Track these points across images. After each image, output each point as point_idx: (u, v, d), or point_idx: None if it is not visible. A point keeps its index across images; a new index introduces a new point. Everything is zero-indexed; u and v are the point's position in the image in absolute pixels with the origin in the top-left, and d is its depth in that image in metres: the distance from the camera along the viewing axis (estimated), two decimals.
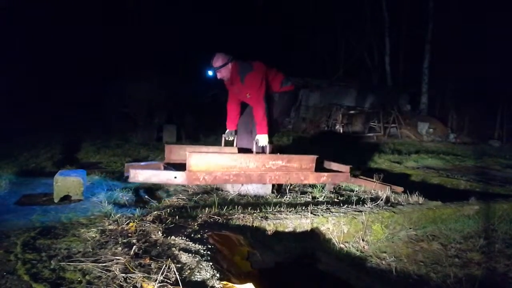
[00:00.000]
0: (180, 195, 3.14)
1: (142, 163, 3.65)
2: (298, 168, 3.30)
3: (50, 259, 1.67)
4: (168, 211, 2.34)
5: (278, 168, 3.21)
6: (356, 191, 3.78)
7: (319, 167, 3.69)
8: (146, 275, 1.50)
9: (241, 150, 3.74)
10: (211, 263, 1.62)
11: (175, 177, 2.87)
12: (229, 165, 3.05)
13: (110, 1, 13.97)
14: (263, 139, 3.38)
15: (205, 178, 2.93)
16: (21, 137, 7.04)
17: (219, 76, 3.53)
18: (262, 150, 3.45)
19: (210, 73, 3.56)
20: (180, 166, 3.12)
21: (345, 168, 3.67)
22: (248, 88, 3.42)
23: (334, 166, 3.89)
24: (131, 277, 1.49)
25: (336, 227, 2.52)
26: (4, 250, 1.76)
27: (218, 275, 1.53)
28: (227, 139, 3.89)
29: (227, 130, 3.87)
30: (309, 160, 3.34)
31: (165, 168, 3.42)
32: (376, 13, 16.58)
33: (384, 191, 3.44)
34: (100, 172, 3.93)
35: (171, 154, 3.70)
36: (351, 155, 7.17)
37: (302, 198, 3.30)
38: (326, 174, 3.49)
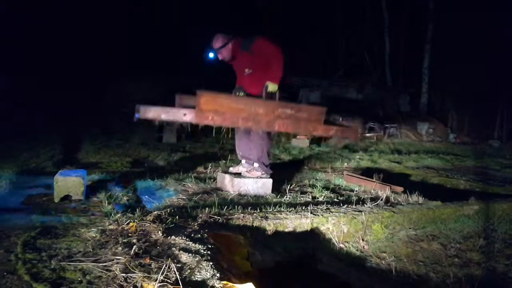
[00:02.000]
0: (180, 195, 3.14)
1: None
2: (307, 119, 3.18)
3: (51, 259, 1.68)
4: (168, 211, 2.34)
5: (287, 116, 3.10)
6: (356, 191, 3.79)
7: (328, 122, 3.60)
8: (146, 275, 1.50)
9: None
10: (211, 263, 1.62)
11: (185, 114, 2.81)
12: (238, 107, 2.97)
13: (110, 1, 13.97)
14: (273, 86, 3.33)
15: (214, 118, 2.86)
16: (21, 137, 7.04)
17: (220, 57, 3.49)
18: (271, 98, 3.38)
19: (211, 55, 3.52)
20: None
21: (354, 124, 3.60)
22: (260, 51, 3.35)
23: (343, 123, 3.79)
24: (131, 277, 1.49)
25: (336, 227, 2.53)
26: (5, 250, 1.77)
27: (218, 275, 1.54)
28: (237, 94, 3.80)
29: (236, 86, 3.72)
30: (318, 111, 3.24)
31: None
32: (376, 13, 16.58)
33: (384, 191, 3.44)
34: (101, 172, 3.94)
35: (182, 101, 3.58)
36: (351, 155, 7.18)
37: (302, 198, 3.31)
38: (335, 127, 3.39)
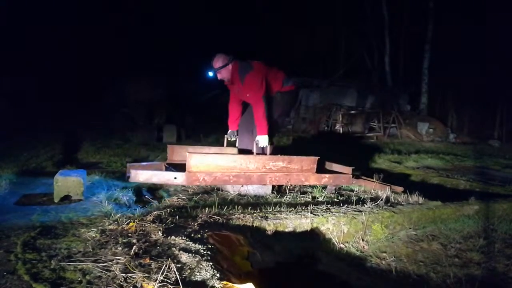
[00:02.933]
0: (180, 195, 3.14)
1: (144, 163, 3.66)
2: (299, 170, 3.29)
3: (50, 259, 1.68)
4: (168, 211, 2.34)
5: (279, 169, 3.21)
6: (356, 191, 3.78)
7: (321, 168, 3.68)
8: (146, 275, 1.50)
9: (242, 151, 3.74)
10: (211, 263, 1.62)
11: (175, 178, 2.89)
12: (229, 166, 3.05)
13: (110, 1, 13.96)
14: (263, 140, 3.38)
15: (205, 178, 2.94)
16: (21, 137, 7.04)
17: (219, 77, 3.52)
18: (262, 151, 3.45)
19: (210, 74, 3.55)
20: (182, 167, 3.13)
21: (347, 170, 3.66)
22: (247, 88, 3.41)
23: (336, 167, 3.88)
24: (131, 277, 1.49)
25: (336, 227, 2.53)
26: (4, 250, 1.77)
27: (218, 275, 1.54)
28: (229, 139, 3.89)
29: (229, 131, 3.86)
30: (310, 161, 3.33)
31: (167, 169, 3.42)
32: (376, 13, 16.58)
33: (384, 191, 3.44)
34: (100, 172, 3.93)
35: (173, 154, 3.71)
36: (351, 155, 7.18)
37: (302, 198, 3.31)
38: (327, 175, 3.47)
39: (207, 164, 2.97)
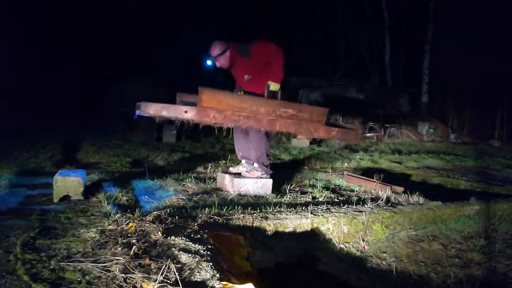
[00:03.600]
0: (180, 195, 3.14)
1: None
2: (309, 119, 3.17)
3: (50, 259, 1.67)
4: (168, 211, 2.33)
5: (289, 116, 3.09)
6: (356, 191, 3.78)
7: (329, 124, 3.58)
8: (146, 275, 1.50)
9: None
10: (211, 263, 1.61)
11: (186, 112, 2.79)
12: (240, 105, 2.95)
13: (110, 1, 13.97)
14: (275, 85, 3.30)
15: (215, 115, 2.84)
16: (21, 137, 7.04)
17: (218, 64, 3.47)
18: (272, 97, 3.35)
19: (209, 62, 3.51)
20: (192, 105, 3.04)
21: (355, 127, 3.60)
22: (260, 54, 3.34)
23: (345, 125, 3.79)
24: (130, 277, 1.49)
25: (336, 227, 2.52)
26: (4, 250, 1.76)
27: (218, 275, 1.53)
28: (238, 93, 3.79)
29: (237, 87, 3.70)
30: (320, 112, 3.23)
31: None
32: (376, 13, 16.58)
33: (384, 191, 3.43)
34: (100, 172, 3.93)
35: (183, 98, 3.55)
36: (351, 155, 7.17)
37: (302, 198, 3.30)
38: (336, 128, 3.37)
39: (218, 100, 2.87)
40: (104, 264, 1.60)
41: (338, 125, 3.73)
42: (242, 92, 3.62)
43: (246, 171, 3.49)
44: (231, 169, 3.71)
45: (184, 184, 3.53)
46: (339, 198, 3.44)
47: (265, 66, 3.38)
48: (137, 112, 2.82)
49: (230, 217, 2.32)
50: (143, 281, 1.45)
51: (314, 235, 2.45)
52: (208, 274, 1.54)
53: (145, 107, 2.74)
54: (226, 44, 3.42)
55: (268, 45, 3.34)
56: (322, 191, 3.56)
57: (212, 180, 3.78)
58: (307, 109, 3.23)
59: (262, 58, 3.36)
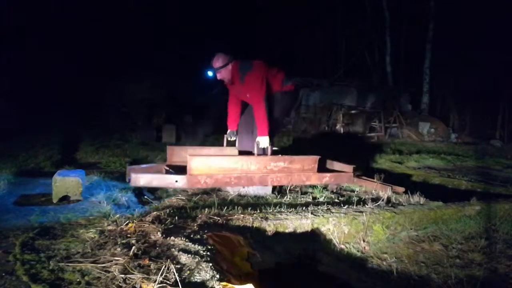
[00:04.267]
0: (180, 195, 3.13)
1: (144, 166, 3.64)
2: (300, 169, 3.27)
3: (49, 259, 1.66)
4: (168, 212, 2.33)
5: (280, 169, 3.19)
6: (357, 191, 3.77)
7: (322, 167, 3.66)
8: (145, 276, 1.49)
9: (242, 152, 3.71)
10: (210, 264, 1.61)
11: (176, 181, 2.87)
12: (230, 167, 3.03)
13: (110, 1, 13.96)
14: (264, 141, 3.34)
15: (206, 181, 2.93)
16: (20, 137, 7.03)
17: (219, 76, 3.49)
18: (263, 152, 3.43)
19: (210, 73, 3.52)
20: (182, 168, 3.11)
21: (348, 168, 3.64)
22: (248, 88, 3.38)
23: (337, 166, 3.85)
24: (130, 278, 1.48)
25: (337, 228, 2.51)
26: (3, 251, 1.76)
27: (218, 276, 1.52)
28: (229, 139, 3.87)
29: (229, 131, 3.84)
30: (311, 161, 3.31)
31: (167, 171, 3.40)
32: (377, 12, 16.57)
33: (385, 192, 3.42)
34: (99, 172, 3.92)
35: (173, 156, 3.69)
36: (351, 155, 7.16)
37: (302, 199, 3.29)
38: (328, 174, 3.45)
39: (208, 166, 2.95)
40: (103, 265, 1.59)
41: (331, 170, 3.78)
42: (234, 138, 3.71)
43: None
44: None
45: None
46: (340, 198, 3.43)
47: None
48: (128, 178, 2.89)
49: (230, 217, 2.31)
50: (142, 282, 1.45)
51: (314, 235, 2.44)
52: (208, 275, 1.53)
53: (135, 178, 2.82)
54: (229, 57, 3.41)
55: (255, 85, 3.33)
56: (322, 191, 3.56)
57: None
58: (298, 160, 3.28)
59: (250, 91, 3.39)
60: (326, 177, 3.42)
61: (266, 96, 3.37)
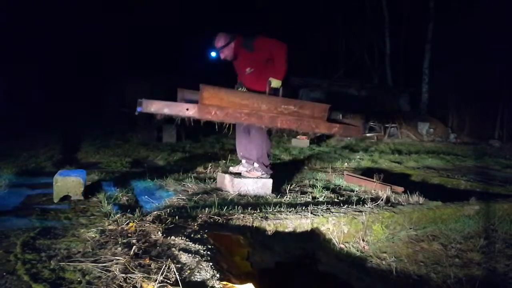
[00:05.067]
0: (180, 195, 3.14)
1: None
2: (310, 116, 3.17)
3: (50, 259, 1.67)
4: (168, 211, 2.33)
5: (290, 113, 3.09)
6: (356, 191, 3.78)
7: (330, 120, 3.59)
8: (146, 275, 1.49)
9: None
10: (211, 263, 1.61)
11: (187, 109, 2.79)
12: (241, 103, 2.95)
13: (110, 1, 13.97)
14: (276, 82, 3.30)
15: (217, 113, 2.84)
16: (20, 137, 7.03)
17: (222, 56, 3.45)
18: (274, 93, 3.34)
19: (213, 54, 3.48)
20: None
21: (357, 123, 3.61)
22: (261, 49, 3.33)
23: (346, 121, 3.79)
24: (131, 277, 1.49)
25: (336, 227, 2.52)
26: (4, 250, 1.76)
27: (218, 275, 1.53)
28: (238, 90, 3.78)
29: (238, 82, 3.70)
30: (321, 108, 3.22)
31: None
32: (377, 12, 16.58)
33: (384, 191, 3.44)
34: (100, 172, 3.93)
35: (183, 94, 3.47)
36: (351, 155, 7.17)
37: (302, 198, 3.30)
38: (338, 125, 3.36)
39: (220, 98, 2.87)
40: (104, 264, 1.60)
41: (340, 121, 3.69)
42: (243, 88, 3.62)
43: (246, 171, 3.49)
44: (231, 169, 3.70)
45: (184, 184, 3.53)
46: (339, 198, 3.44)
47: (267, 62, 3.36)
48: (138, 109, 2.82)
49: (230, 217, 2.32)
50: (143, 281, 1.45)
51: (314, 235, 2.45)
52: (208, 274, 1.54)
53: (146, 104, 2.74)
54: (231, 36, 3.39)
55: (271, 41, 3.33)
56: (322, 191, 3.56)
57: (212, 180, 3.78)
58: (308, 105, 3.21)
59: (264, 53, 3.35)
60: (336, 127, 3.32)
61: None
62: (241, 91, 3.29)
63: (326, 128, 3.29)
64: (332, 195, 3.51)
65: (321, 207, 2.72)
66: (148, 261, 1.62)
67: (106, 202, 2.67)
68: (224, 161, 5.07)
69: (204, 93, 2.82)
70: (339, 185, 4.12)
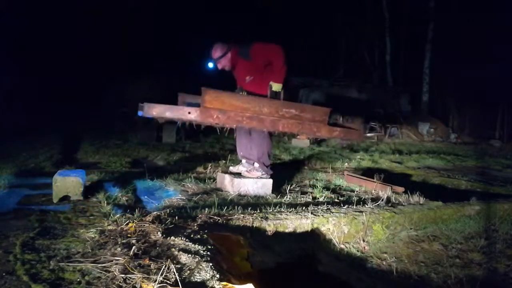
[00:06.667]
0: (180, 195, 3.13)
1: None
2: (311, 119, 3.21)
3: (49, 259, 1.67)
4: (168, 212, 2.33)
5: (292, 116, 3.12)
6: (357, 191, 3.77)
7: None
8: (145, 275, 1.49)
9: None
10: (211, 264, 1.61)
11: (189, 113, 2.80)
12: (243, 106, 2.97)
13: (110, 2, 13.96)
14: (277, 86, 3.31)
15: (219, 116, 2.86)
16: (20, 137, 7.03)
17: (219, 66, 3.47)
18: (275, 96, 3.36)
19: (210, 65, 3.50)
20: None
21: (357, 127, 3.63)
22: (258, 56, 3.34)
23: (347, 125, 3.82)
24: (130, 277, 1.48)
25: (337, 228, 2.52)
26: (3, 251, 1.76)
27: (218, 275, 1.52)
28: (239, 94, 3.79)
29: (238, 87, 3.72)
30: (322, 112, 3.25)
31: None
32: (377, 13, 16.58)
33: (384, 191, 3.43)
34: (100, 172, 3.92)
35: (184, 99, 3.49)
36: (352, 155, 7.16)
37: (302, 198, 3.29)
38: (339, 128, 3.41)
39: (222, 101, 2.88)
40: (103, 265, 1.59)
41: (340, 125, 3.72)
42: (244, 93, 3.63)
43: (246, 171, 3.48)
44: (231, 169, 3.70)
45: (184, 184, 3.53)
46: (340, 198, 3.43)
47: (266, 67, 3.38)
48: (140, 113, 2.82)
49: (230, 217, 2.32)
50: (142, 282, 1.45)
51: (314, 235, 2.44)
52: (208, 275, 1.53)
53: (148, 108, 2.75)
54: (227, 46, 3.41)
55: (266, 46, 3.34)
56: (322, 191, 3.56)
57: (212, 180, 3.77)
58: (309, 109, 3.24)
59: (262, 59, 3.36)
60: (337, 131, 3.36)
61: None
62: (242, 95, 3.29)
63: (327, 132, 3.32)
64: (333, 195, 3.51)
65: (321, 207, 2.71)
66: (147, 262, 1.62)
67: (105, 202, 2.66)
68: (224, 161, 5.07)
69: (206, 96, 2.83)
70: (340, 185, 4.12)
